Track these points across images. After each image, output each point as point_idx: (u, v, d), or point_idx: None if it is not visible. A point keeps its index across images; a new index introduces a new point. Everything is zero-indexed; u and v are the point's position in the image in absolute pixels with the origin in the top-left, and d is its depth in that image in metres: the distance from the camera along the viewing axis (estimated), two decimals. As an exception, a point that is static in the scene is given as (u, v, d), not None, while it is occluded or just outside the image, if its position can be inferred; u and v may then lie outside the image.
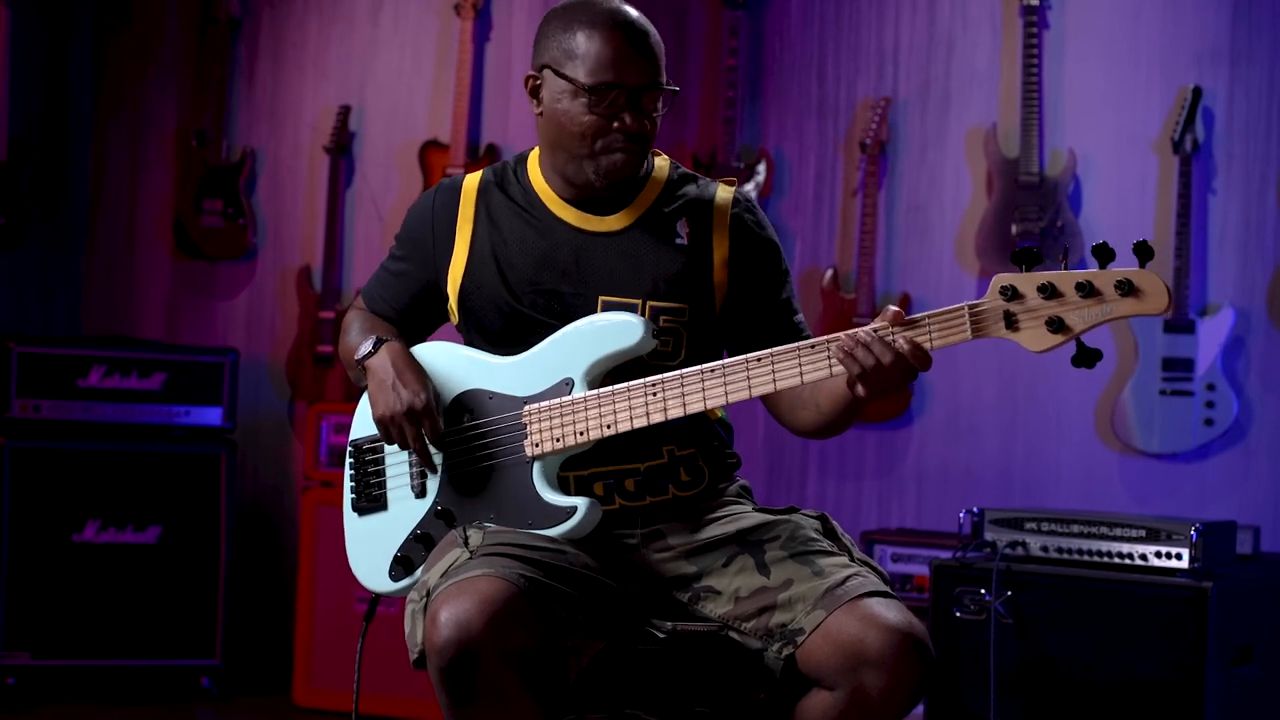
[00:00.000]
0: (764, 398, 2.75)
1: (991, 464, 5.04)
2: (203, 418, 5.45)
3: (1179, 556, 3.91)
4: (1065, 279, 2.47)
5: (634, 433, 2.72)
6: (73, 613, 5.24)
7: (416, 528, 2.85)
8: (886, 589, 2.65)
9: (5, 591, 5.16)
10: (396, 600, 2.84)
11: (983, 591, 4.02)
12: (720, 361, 2.67)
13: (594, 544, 2.75)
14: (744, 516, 2.83)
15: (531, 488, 2.75)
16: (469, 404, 2.83)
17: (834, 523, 2.83)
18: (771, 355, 2.63)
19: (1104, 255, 2.44)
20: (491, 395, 2.81)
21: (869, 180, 5.15)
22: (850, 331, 2.57)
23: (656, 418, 2.69)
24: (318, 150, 5.83)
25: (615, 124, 2.76)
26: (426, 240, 2.93)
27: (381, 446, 2.91)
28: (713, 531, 2.80)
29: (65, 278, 6.14)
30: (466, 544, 2.68)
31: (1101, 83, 4.96)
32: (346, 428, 3.01)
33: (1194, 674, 3.79)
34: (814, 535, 2.77)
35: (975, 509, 4.16)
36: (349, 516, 2.96)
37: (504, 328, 2.84)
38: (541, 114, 2.83)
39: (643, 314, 2.78)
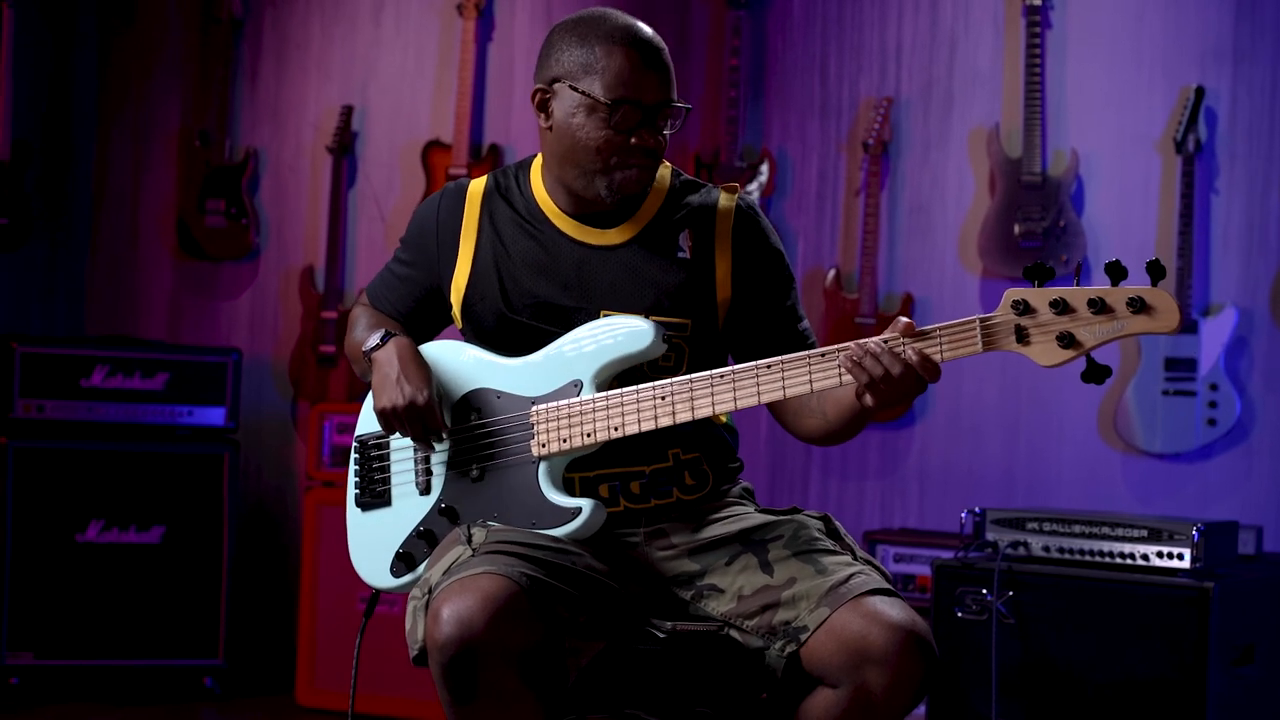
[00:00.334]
0: (770, 404, 2.75)
1: (994, 464, 5.04)
2: (205, 418, 5.45)
3: (1180, 557, 3.91)
4: (1077, 295, 2.47)
5: (640, 435, 2.72)
6: (76, 613, 5.24)
7: (420, 524, 2.85)
8: (890, 587, 2.65)
9: (9, 591, 5.17)
10: (398, 600, 2.84)
11: (984, 591, 4.03)
12: (730, 367, 2.67)
13: (597, 544, 2.76)
14: (747, 516, 2.83)
15: (536, 487, 2.75)
16: (476, 402, 2.83)
17: (837, 523, 2.83)
18: (782, 362, 2.63)
19: (1116, 273, 2.44)
20: (499, 395, 2.81)
21: (871, 180, 5.14)
22: (860, 341, 2.57)
23: (665, 421, 2.69)
24: (320, 150, 5.83)
25: (632, 139, 2.76)
26: (431, 246, 2.93)
27: (387, 443, 2.92)
28: (716, 530, 2.81)
29: (68, 278, 6.15)
30: (469, 542, 2.68)
31: (1104, 82, 4.96)
32: (349, 428, 3.02)
33: (1195, 674, 3.79)
34: (817, 534, 2.77)
35: (977, 509, 4.16)
36: (351, 512, 2.96)
37: (506, 338, 2.85)
38: (551, 128, 2.82)
39: None
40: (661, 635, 2.71)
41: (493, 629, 2.49)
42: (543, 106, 2.83)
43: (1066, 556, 4.04)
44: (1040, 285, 2.50)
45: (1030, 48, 4.93)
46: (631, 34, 2.76)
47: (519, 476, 2.77)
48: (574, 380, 2.75)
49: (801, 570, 2.68)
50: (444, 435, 2.82)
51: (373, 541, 2.91)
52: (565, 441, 2.74)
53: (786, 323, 2.88)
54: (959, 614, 4.06)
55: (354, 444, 2.97)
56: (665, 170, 2.90)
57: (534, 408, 2.77)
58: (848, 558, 2.73)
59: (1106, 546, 3.99)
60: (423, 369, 2.82)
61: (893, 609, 2.57)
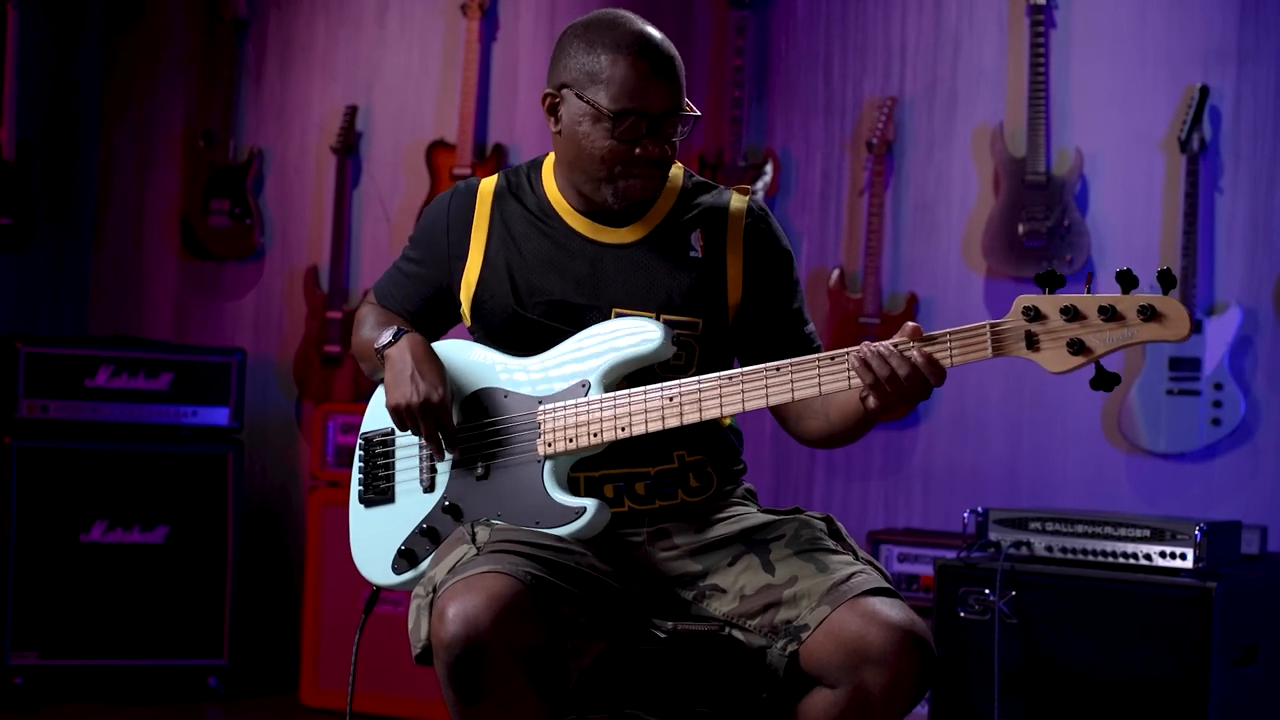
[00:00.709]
0: (775, 407, 2.75)
1: (998, 464, 5.03)
2: (210, 418, 5.46)
3: (1183, 556, 3.91)
4: (1088, 302, 2.48)
5: (646, 436, 2.72)
6: (80, 613, 5.25)
7: (423, 521, 2.85)
8: (890, 587, 2.65)
9: (13, 591, 5.17)
10: (401, 599, 2.84)
11: (987, 591, 4.02)
12: (739, 370, 2.67)
13: (600, 544, 2.76)
14: (749, 516, 2.84)
15: (541, 487, 2.75)
16: (484, 401, 2.82)
17: (839, 524, 2.84)
18: (790, 365, 2.63)
19: (1127, 281, 2.45)
20: (507, 393, 2.81)
21: (875, 180, 5.14)
22: (868, 344, 2.57)
23: (672, 423, 2.69)
24: (325, 150, 5.83)
25: (637, 150, 2.75)
26: (441, 244, 2.93)
27: (392, 440, 2.91)
28: (718, 531, 2.81)
29: (73, 278, 6.15)
30: (474, 540, 2.68)
31: (1108, 82, 4.96)
32: (354, 428, 3.02)
33: (1198, 674, 3.79)
34: (820, 534, 2.77)
35: (980, 509, 4.16)
36: (354, 508, 2.96)
37: (516, 336, 2.84)
38: (560, 133, 2.82)
39: None
40: (662, 635, 2.71)
41: (498, 628, 2.49)
42: (552, 110, 2.82)
43: (1069, 556, 4.03)
44: (1050, 292, 2.50)
45: (1034, 47, 4.92)
46: (640, 42, 2.74)
47: (524, 475, 2.77)
48: (582, 381, 2.75)
49: (803, 569, 2.68)
50: (453, 446, 2.81)
51: (375, 538, 2.91)
52: (571, 442, 2.74)
53: (793, 326, 2.88)
54: (961, 614, 4.05)
55: (359, 441, 2.97)
56: (678, 170, 2.90)
57: (541, 407, 2.77)
58: (849, 557, 2.73)
59: (1109, 546, 3.99)
60: (437, 366, 2.81)
61: (891, 609, 2.57)
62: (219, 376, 5.47)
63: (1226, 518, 4.16)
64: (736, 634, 2.71)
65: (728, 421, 2.92)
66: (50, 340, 5.54)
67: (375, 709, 4.96)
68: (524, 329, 2.83)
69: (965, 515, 4.17)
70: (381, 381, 2.90)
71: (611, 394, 2.72)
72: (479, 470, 2.81)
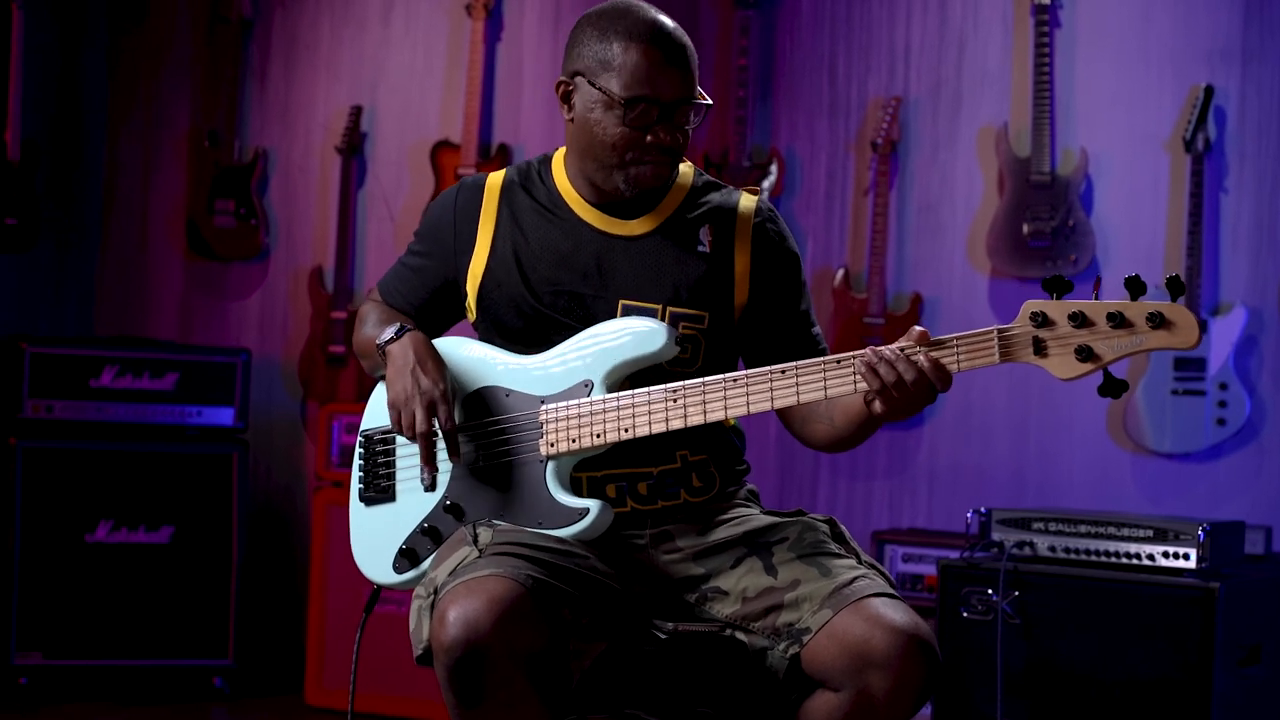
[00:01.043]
0: (780, 410, 2.74)
1: (1003, 464, 5.03)
2: (215, 418, 5.46)
3: (1186, 557, 3.90)
4: (1097, 309, 2.47)
5: (649, 436, 2.72)
6: (85, 613, 5.25)
7: (424, 521, 2.84)
8: (893, 591, 2.64)
9: (18, 592, 5.18)
10: (404, 599, 2.84)
11: (990, 592, 4.02)
12: (744, 371, 2.67)
13: (602, 545, 2.75)
14: (752, 519, 2.83)
15: (544, 487, 2.74)
16: (486, 400, 2.82)
17: (842, 527, 2.83)
18: (796, 368, 2.62)
19: (1136, 288, 2.45)
20: (509, 393, 2.80)
21: (880, 180, 5.14)
22: (874, 348, 2.56)
23: (676, 424, 2.69)
24: (329, 150, 5.84)
25: (649, 137, 2.75)
26: (447, 236, 2.92)
27: (393, 438, 2.90)
28: (721, 534, 2.80)
29: (78, 278, 6.16)
30: (476, 542, 2.68)
31: (1113, 82, 4.95)
32: (358, 428, 3.00)
33: (1201, 674, 3.79)
34: (823, 538, 2.77)
35: (983, 509, 4.16)
36: (355, 507, 2.95)
37: (523, 327, 2.84)
38: (572, 120, 2.82)
39: (663, 319, 2.77)
40: (663, 636, 2.71)
41: (499, 631, 2.49)
42: (565, 98, 2.83)
43: (1072, 556, 4.03)
44: (1058, 298, 2.50)
45: (1039, 47, 4.92)
46: (652, 30, 2.75)
47: (526, 475, 2.76)
48: (585, 380, 2.75)
49: (806, 572, 2.68)
50: (454, 454, 2.80)
51: (376, 536, 2.90)
52: (574, 442, 2.73)
53: (799, 327, 2.88)
54: (964, 614, 4.05)
55: (359, 438, 2.97)
56: (688, 168, 2.90)
57: (543, 407, 2.76)
58: (852, 561, 2.72)
59: (1112, 546, 3.98)
60: (439, 362, 2.80)
61: (895, 612, 2.57)
62: (224, 377, 5.47)
63: (1232, 518, 4.15)
64: (738, 635, 2.71)
65: (731, 422, 2.92)
66: (55, 340, 5.54)
67: (378, 709, 4.96)
68: (530, 320, 2.83)
69: (968, 515, 4.17)
70: (382, 378, 2.90)
71: (615, 394, 2.72)
72: (480, 469, 2.81)
